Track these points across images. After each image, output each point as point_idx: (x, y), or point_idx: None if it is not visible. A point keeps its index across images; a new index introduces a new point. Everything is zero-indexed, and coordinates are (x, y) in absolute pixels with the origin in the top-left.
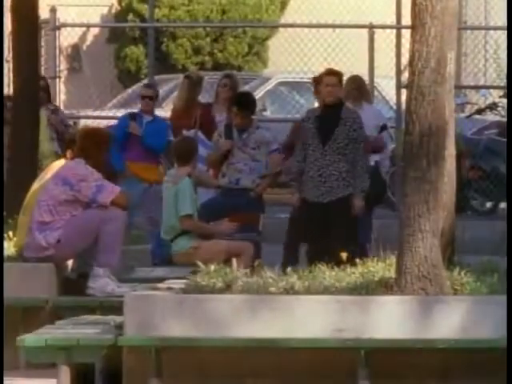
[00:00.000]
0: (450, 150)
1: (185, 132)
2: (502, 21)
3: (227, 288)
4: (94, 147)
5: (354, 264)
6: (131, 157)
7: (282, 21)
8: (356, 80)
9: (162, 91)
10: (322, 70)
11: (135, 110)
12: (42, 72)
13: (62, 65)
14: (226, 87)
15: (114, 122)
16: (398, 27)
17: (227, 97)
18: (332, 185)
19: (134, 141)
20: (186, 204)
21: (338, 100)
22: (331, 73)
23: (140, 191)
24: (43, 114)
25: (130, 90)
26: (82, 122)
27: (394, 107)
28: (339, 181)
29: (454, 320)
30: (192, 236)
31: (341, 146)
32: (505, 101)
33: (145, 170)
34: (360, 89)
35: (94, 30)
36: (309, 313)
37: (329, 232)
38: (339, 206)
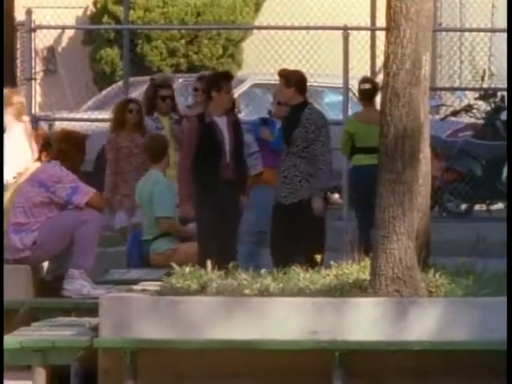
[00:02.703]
0: (425, 152)
1: None
2: (477, 22)
3: (202, 290)
4: (71, 149)
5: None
6: (263, 163)
7: (257, 23)
8: None
9: (136, 93)
10: None
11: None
12: (18, 73)
13: (38, 67)
14: (197, 91)
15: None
16: (373, 29)
17: (201, 100)
18: (295, 186)
19: (266, 146)
20: (163, 206)
21: (293, 101)
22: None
23: (272, 199)
24: (167, 124)
25: (104, 92)
26: (58, 124)
27: None
28: (302, 182)
29: (429, 322)
30: (173, 238)
31: (300, 148)
32: (480, 103)
33: (275, 177)
34: None
35: (70, 32)
36: (283, 314)
37: (291, 234)
38: (302, 208)
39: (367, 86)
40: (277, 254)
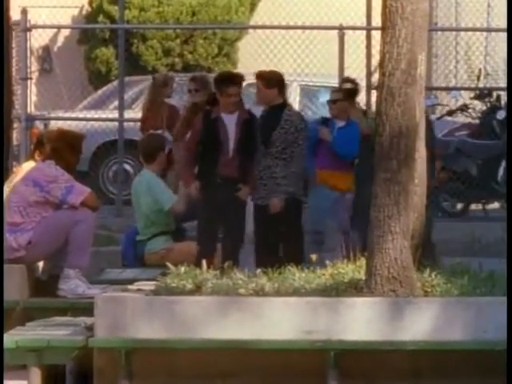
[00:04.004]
0: (421, 152)
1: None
2: (473, 22)
3: (197, 289)
4: (66, 149)
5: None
6: (321, 164)
7: (252, 22)
8: None
9: (132, 93)
10: (291, 71)
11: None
12: (14, 73)
13: (33, 66)
14: (191, 92)
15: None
16: (368, 28)
17: (196, 101)
18: (271, 188)
19: (325, 147)
20: (167, 198)
21: (274, 102)
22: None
23: (330, 200)
24: None
25: (100, 92)
26: (53, 124)
27: (364, 108)
28: (278, 184)
29: (424, 322)
30: (168, 238)
31: (279, 150)
32: (476, 102)
33: (335, 178)
34: None
35: (65, 32)
36: (278, 314)
37: (271, 234)
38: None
39: (348, 85)
40: (260, 255)
